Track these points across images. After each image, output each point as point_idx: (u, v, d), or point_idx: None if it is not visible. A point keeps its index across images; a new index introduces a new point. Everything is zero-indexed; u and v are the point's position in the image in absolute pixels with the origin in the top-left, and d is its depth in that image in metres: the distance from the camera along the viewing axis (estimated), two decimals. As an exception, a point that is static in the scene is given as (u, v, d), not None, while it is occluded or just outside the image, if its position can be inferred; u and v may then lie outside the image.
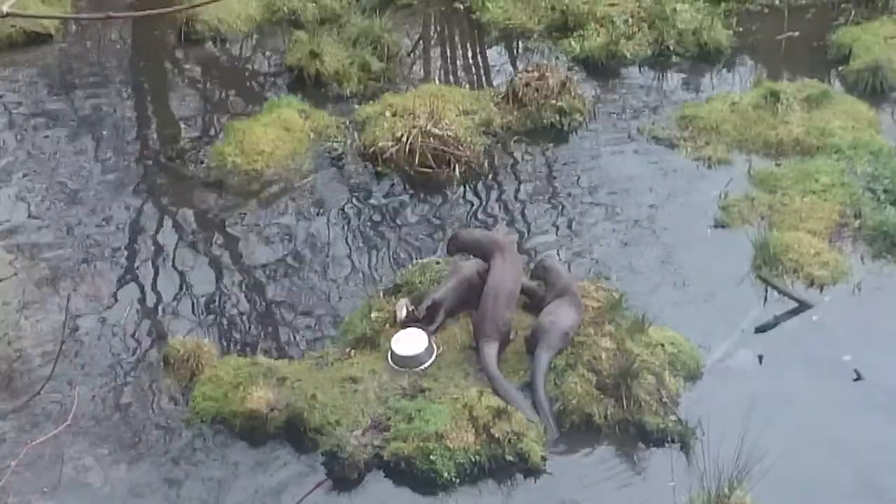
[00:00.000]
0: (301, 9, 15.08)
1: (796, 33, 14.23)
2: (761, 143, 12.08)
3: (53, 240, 11.23)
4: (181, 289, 10.62)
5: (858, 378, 9.20)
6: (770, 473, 8.02)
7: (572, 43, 14.14)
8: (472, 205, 11.66)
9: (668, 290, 10.25)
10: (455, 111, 12.58)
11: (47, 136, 13.00)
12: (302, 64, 13.72)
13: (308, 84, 13.62)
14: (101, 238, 11.27)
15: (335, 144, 12.51)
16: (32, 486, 8.55)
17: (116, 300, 10.44)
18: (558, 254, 10.72)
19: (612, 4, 14.73)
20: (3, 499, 8.25)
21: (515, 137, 12.57)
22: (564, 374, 8.98)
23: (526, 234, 11.15)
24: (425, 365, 9.22)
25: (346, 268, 10.78)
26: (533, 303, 9.69)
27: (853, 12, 14.50)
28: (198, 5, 13.96)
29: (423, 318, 9.51)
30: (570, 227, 11.19)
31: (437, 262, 10.39)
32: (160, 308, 10.38)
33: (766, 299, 10.05)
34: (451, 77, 14.32)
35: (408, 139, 11.92)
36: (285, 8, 15.21)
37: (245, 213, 11.56)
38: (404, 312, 9.54)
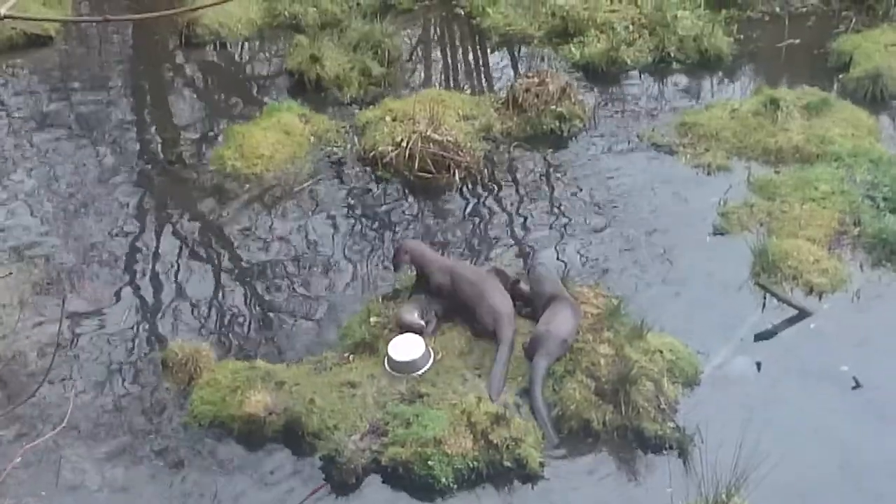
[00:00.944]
0: (302, 13, 15.11)
1: (797, 41, 14.25)
2: (761, 151, 12.08)
3: (52, 242, 11.24)
4: (180, 292, 10.62)
5: (857, 386, 9.19)
6: (767, 480, 8.01)
7: (573, 49, 14.16)
8: (472, 210, 11.66)
9: (667, 296, 10.24)
10: (455, 116, 12.59)
11: (47, 139, 13.01)
12: (302, 68, 13.74)
13: (308, 88, 13.64)
14: (99, 240, 11.27)
15: (335, 149, 12.53)
16: (29, 489, 8.54)
17: (115, 303, 10.44)
18: (558, 258, 10.73)
19: (613, 11, 14.75)
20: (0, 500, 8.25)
21: (515, 143, 12.58)
22: (563, 380, 8.97)
23: (525, 240, 11.14)
24: (422, 370, 9.21)
25: (345, 272, 10.78)
26: (525, 307, 9.73)
27: (854, 20, 14.53)
28: (198, 9, 13.96)
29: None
30: (569, 232, 11.19)
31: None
32: (158, 311, 10.38)
33: (764, 306, 10.04)
34: (451, 82, 14.34)
35: (408, 144, 11.93)
36: (286, 12, 15.24)
37: (244, 217, 11.55)
38: (416, 321, 9.53)
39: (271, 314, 10.34)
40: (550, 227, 11.29)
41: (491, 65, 14.78)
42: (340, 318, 10.13)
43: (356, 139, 12.63)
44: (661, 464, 8.55)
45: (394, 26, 14.69)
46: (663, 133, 12.58)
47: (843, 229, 10.80)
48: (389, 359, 9.26)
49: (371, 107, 13.15)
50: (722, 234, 10.98)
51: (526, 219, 11.48)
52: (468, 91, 13.90)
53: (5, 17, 3.82)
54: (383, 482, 8.51)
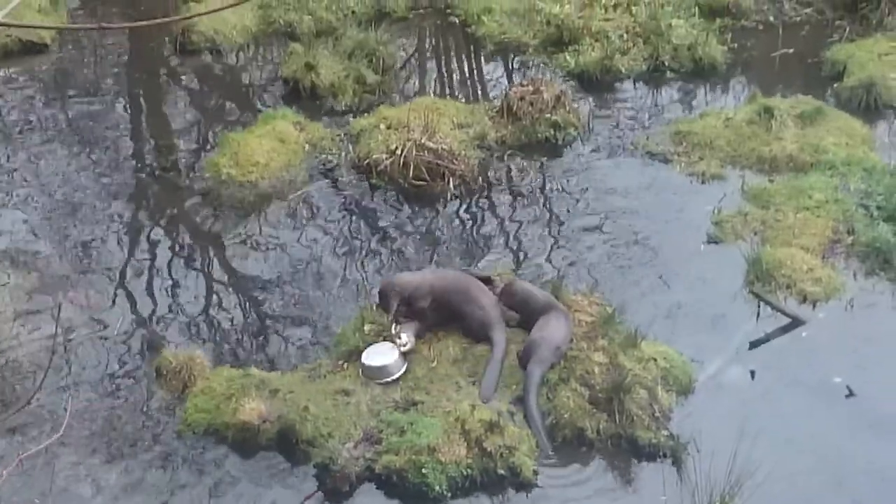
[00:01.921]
0: (297, 21, 15.14)
1: (790, 50, 14.28)
2: (755, 159, 12.10)
3: (47, 250, 11.23)
4: (174, 300, 10.62)
5: (850, 395, 9.20)
6: (761, 489, 8.02)
7: (567, 57, 14.18)
8: (466, 218, 11.67)
9: (661, 304, 10.25)
10: (450, 124, 12.61)
11: (41, 146, 13.01)
12: (297, 76, 13.76)
13: (303, 96, 13.66)
14: (93, 248, 11.27)
15: (330, 157, 12.54)
16: (23, 496, 8.52)
17: (109, 310, 10.43)
18: (552, 266, 10.74)
19: (608, 19, 14.79)
20: (-7, 509, 8.26)
21: (510, 151, 12.59)
22: (557, 389, 8.97)
23: (519, 248, 11.15)
24: (395, 376, 9.24)
25: (339, 280, 10.78)
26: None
27: (847, 30, 14.57)
28: (193, 17, 13.99)
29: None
30: (563, 241, 11.20)
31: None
32: (153, 319, 10.38)
33: (758, 315, 10.05)
34: (445, 90, 14.36)
35: (402, 152, 11.94)
36: (281, 20, 15.27)
37: (239, 225, 11.55)
38: (406, 346, 9.51)
39: (265, 322, 10.34)
40: (544, 235, 11.30)
41: (485, 73, 14.80)
42: (334, 326, 10.13)
43: (351, 147, 12.64)
44: (655, 472, 8.54)
45: (388, 34, 14.70)
46: (657, 141, 12.60)
47: (837, 238, 10.81)
48: (362, 365, 9.29)
49: (366, 115, 13.16)
50: (716, 242, 11.00)
51: (520, 226, 11.49)
52: (463, 99, 13.92)
53: (0, 24, 3.82)
54: (377, 490, 8.50)
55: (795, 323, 9.91)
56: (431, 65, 15.16)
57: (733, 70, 14.14)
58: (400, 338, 9.41)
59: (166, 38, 15.14)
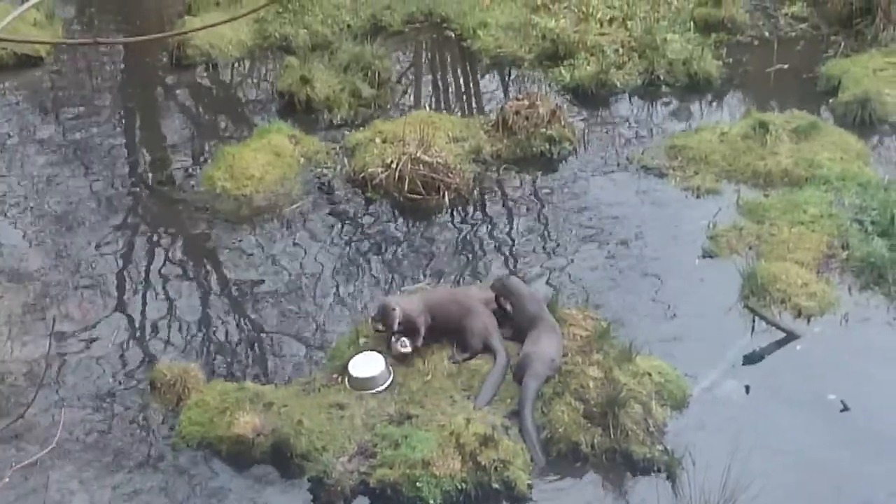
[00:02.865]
0: (292, 35, 15.15)
1: (785, 65, 14.30)
2: (750, 174, 12.11)
3: (41, 263, 11.22)
4: (169, 313, 10.61)
5: (845, 409, 9.20)
6: (756, 502, 8.02)
7: (563, 72, 14.20)
8: (461, 232, 11.67)
9: (656, 319, 10.25)
10: (445, 138, 12.61)
11: (36, 159, 13.01)
12: (293, 89, 13.76)
13: (298, 110, 13.67)
14: (88, 261, 11.26)
15: (325, 170, 12.54)
16: (17, 510, 8.52)
17: (103, 323, 10.42)
18: (547, 280, 10.74)
19: (603, 34, 14.81)
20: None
21: (505, 165, 12.60)
22: (552, 403, 8.97)
23: (514, 262, 11.16)
24: (381, 388, 9.25)
25: (333, 293, 10.78)
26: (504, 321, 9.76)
27: (842, 45, 14.60)
28: (188, 32, 14.00)
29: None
30: (558, 254, 11.20)
31: (426, 288, 10.42)
32: (147, 332, 10.37)
33: (753, 329, 10.05)
34: (441, 104, 14.36)
35: (397, 166, 11.95)
36: (277, 34, 15.29)
37: (233, 238, 11.55)
38: (407, 349, 9.52)
39: (260, 335, 10.33)
40: (539, 249, 11.30)
41: (481, 87, 14.82)
42: (329, 339, 10.13)
43: (346, 160, 12.64)
44: (650, 486, 8.54)
45: (384, 48, 14.72)
46: (653, 156, 12.61)
47: (832, 253, 10.82)
48: (350, 376, 9.29)
49: (361, 128, 13.17)
50: (711, 256, 11.00)
51: (515, 241, 11.49)
52: (458, 113, 13.94)
53: (-4, 37, 3.82)
54: (371, 504, 8.51)
55: (790, 337, 9.91)
56: (427, 79, 15.17)
57: (728, 85, 14.16)
58: (403, 344, 9.45)
59: (162, 52, 15.15)
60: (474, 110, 14.14)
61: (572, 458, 8.75)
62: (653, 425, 8.90)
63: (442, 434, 8.67)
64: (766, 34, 15.06)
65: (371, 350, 9.52)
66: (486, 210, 12.03)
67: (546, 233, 11.59)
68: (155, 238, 11.73)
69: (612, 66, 14.05)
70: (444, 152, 12.22)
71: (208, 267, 11.28)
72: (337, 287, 10.87)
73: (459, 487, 8.41)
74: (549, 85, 14.17)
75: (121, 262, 11.31)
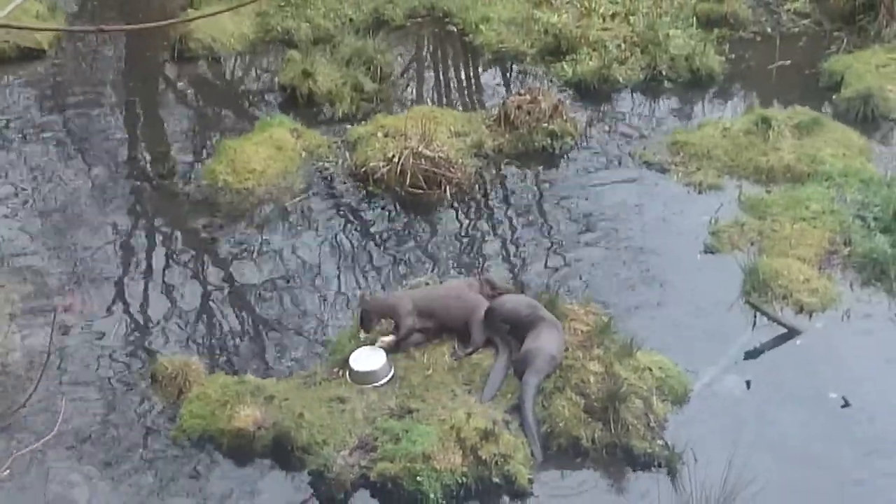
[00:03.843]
0: (295, 28, 15.13)
1: (788, 62, 14.28)
2: (752, 170, 12.10)
3: (42, 255, 11.22)
4: (170, 306, 10.60)
5: (846, 405, 9.20)
6: (756, 498, 8.02)
7: (565, 67, 14.19)
8: (462, 226, 11.67)
9: (657, 314, 10.25)
10: (447, 133, 12.60)
11: (38, 152, 13.01)
12: (295, 83, 13.76)
13: (300, 103, 13.66)
14: (90, 254, 11.26)
15: (327, 164, 12.53)
16: (16, 502, 8.52)
17: (105, 316, 10.43)
18: (548, 275, 10.74)
19: (605, 29, 14.80)
20: (-13, 515, 8.25)
21: (507, 160, 12.60)
22: (553, 398, 8.96)
23: (515, 257, 11.16)
24: (382, 382, 9.25)
25: (334, 287, 10.78)
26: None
27: (845, 41, 14.59)
28: (191, 20, 13.99)
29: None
30: (559, 249, 11.19)
31: (427, 283, 10.41)
32: (148, 325, 10.37)
33: (754, 325, 10.05)
34: (443, 99, 14.36)
35: (399, 160, 11.94)
36: (279, 27, 15.28)
37: (235, 232, 11.55)
38: (384, 344, 9.55)
39: (261, 328, 10.33)
40: (540, 244, 11.30)
41: (483, 82, 14.81)
42: (330, 333, 10.13)
43: (348, 154, 12.63)
44: (650, 482, 8.54)
45: (386, 42, 14.72)
46: (655, 151, 12.60)
47: (834, 249, 10.81)
48: (350, 369, 9.30)
49: (363, 122, 13.16)
50: (713, 252, 10.99)
51: (516, 235, 11.49)
52: (460, 108, 13.93)
53: (1, 25, 3.82)
54: (372, 497, 8.49)
55: (791, 333, 9.91)
56: (429, 73, 15.17)
57: (731, 81, 14.15)
58: (381, 342, 9.47)
59: (164, 45, 15.14)
60: (476, 105, 14.13)
61: (573, 452, 8.75)
62: (653, 420, 8.89)
63: (443, 428, 8.67)
64: (769, 30, 15.06)
65: (372, 344, 9.54)
66: (488, 204, 12.03)
67: (547, 227, 11.58)
68: (156, 231, 11.74)
69: (615, 61, 14.04)
70: (446, 147, 12.21)
71: (209, 260, 11.28)
72: (338, 281, 10.87)
73: (460, 481, 8.41)
74: (551, 80, 14.16)
75: (122, 255, 11.31)
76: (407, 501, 8.38)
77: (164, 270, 11.10)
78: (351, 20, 15.40)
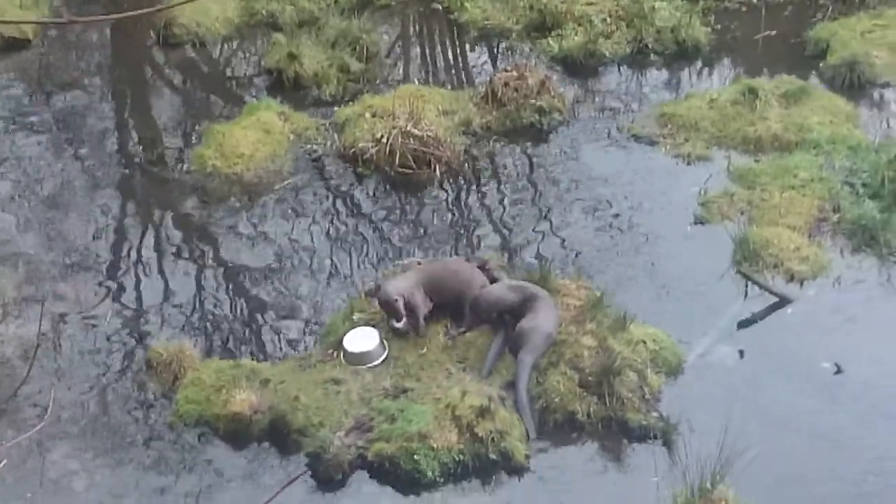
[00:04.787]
0: (279, 11, 15.06)
1: (773, 32, 14.26)
2: (740, 140, 12.11)
3: (33, 243, 11.21)
4: (163, 292, 10.61)
5: (838, 371, 9.24)
6: (752, 468, 8.07)
7: (551, 42, 14.16)
8: (453, 204, 11.67)
9: (649, 287, 10.27)
10: (434, 111, 12.58)
11: (26, 141, 12.98)
12: (281, 66, 13.72)
13: (287, 86, 13.62)
14: (81, 241, 11.25)
15: (315, 146, 12.52)
16: (14, 491, 8.54)
17: (98, 304, 10.42)
18: (539, 250, 10.75)
19: (590, 3, 14.75)
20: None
21: (495, 137, 12.58)
22: (547, 373, 9.00)
23: (506, 234, 11.17)
24: (376, 362, 9.28)
25: (327, 269, 10.78)
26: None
27: (830, 9, 14.56)
28: (174, 6, 13.93)
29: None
30: (550, 225, 11.20)
31: (419, 263, 10.43)
32: (142, 311, 10.37)
33: (746, 294, 10.08)
34: (430, 77, 14.33)
35: (388, 140, 11.93)
36: (264, 10, 15.20)
37: (225, 216, 11.54)
38: (400, 326, 9.54)
39: (255, 313, 10.34)
40: (531, 220, 11.31)
41: (469, 59, 14.78)
42: (323, 315, 10.14)
43: (336, 136, 12.61)
44: (647, 454, 8.58)
45: (371, 22, 14.68)
46: (643, 124, 12.60)
47: (823, 216, 10.84)
48: (344, 351, 9.32)
49: (350, 103, 13.13)
50: (703, 223, 11.01)
51: (506, 212, 11.49)
52: (447, 86, 13.89)
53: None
54: (370, 477, 8.53)
55: (783, 302, 9.94)
56: (415, 52, 15.14)
57: (717, 51, 14.13)
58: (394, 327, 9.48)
59: (149, 32, 15.09)
60: (463, 83, 14.10)
61: (568, 427, 8.79)
62: (648, 393, 8.93)
63: (438, 407, 8.70)
64: (754, 0, 15.03)
65: (366, 325, 9.56)
66: (477, 182, 12.03)
67: (537, 203, 11.59)
68: (147, 218, 11.73)
69: (600, 35, 14.01)
70: (434, 125, 12.20)
71: (201, 245, 11.28)
72: (330, 262, 10.87)
73: (457, 459, 8.44)
74: (538, 56, 14.12)
75: (113, 242, 11.30)
76: (405, 481, 8.43)
77: (155, 256, 11.09)
78: (336, 1, 15.32)
